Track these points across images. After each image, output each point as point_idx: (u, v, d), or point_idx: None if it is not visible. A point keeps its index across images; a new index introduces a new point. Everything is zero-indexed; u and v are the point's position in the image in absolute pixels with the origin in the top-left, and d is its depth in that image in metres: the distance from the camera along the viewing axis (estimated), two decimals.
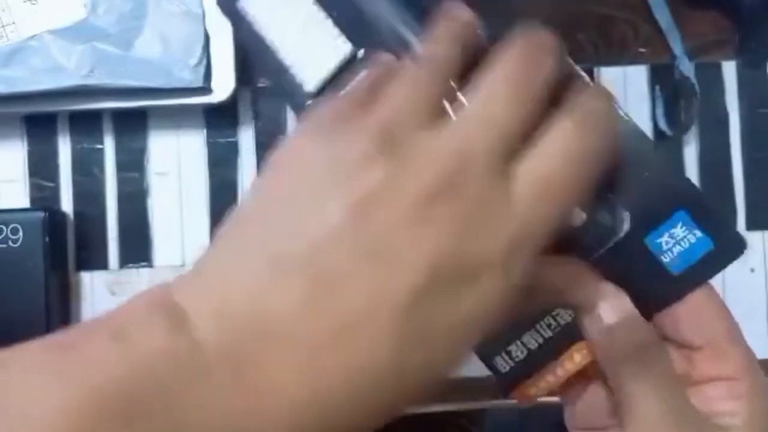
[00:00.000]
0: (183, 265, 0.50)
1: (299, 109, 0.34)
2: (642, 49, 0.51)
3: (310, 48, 0.34)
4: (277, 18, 0.35)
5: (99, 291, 0.49)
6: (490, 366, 0.30)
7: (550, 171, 0.23)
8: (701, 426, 0.26)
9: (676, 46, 0.51)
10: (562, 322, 0.30)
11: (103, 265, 0.50)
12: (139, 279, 0.49)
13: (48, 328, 0.46)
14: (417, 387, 0.22)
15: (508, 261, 0.22)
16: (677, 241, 0.28)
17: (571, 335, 0.29)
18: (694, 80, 0.50)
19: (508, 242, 0.22)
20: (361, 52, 0.32)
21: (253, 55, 0.37)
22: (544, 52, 0.25)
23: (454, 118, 0.24)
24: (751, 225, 0.51)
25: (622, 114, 0.28)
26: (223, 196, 0.50)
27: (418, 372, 0.22)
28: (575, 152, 0.24)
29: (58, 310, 0.48)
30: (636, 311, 0.27)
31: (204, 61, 0.47)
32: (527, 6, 0.50)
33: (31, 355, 0.21)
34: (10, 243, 0.46)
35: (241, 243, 0.23)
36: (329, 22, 0.33)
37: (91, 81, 0.46)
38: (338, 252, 0.21)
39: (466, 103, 0.24)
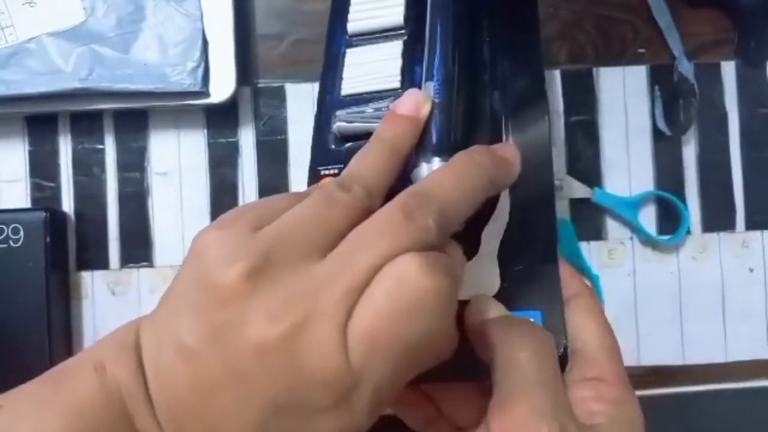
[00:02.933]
0: None
1: (321, 108, 0.36)
2: (641, 50, 0.51)
3: (367, 67, 0.35)
4: (372, 20, 0.37)
5: (99, 291, 0.50)
6: None
7: (375, 326, 0.24)
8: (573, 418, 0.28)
9: (676, 47, 0.51)
10: None
11: (103, 264, 0.50)
12: (140, 279, 0.50)
13: (49, 327, 0.46)
14: None
15: (349, 403, 0.24)
16: None
17: None
18: (693, 80, 0.50)
19: (342, 393, 0.24)
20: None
21: (329, 34, 0.38)
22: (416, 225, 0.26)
23: (329, 259, 0.25)
24: (751, 225, 0.51)
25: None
26: (223, 196, 0.50)
27: None
28: (396, 311, 0.25)
29: (58, 309, 0.48)
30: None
31: (202, 65, 0.47)
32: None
33: (27, 393, 0.26)
34: (11, 243, 0.46)
35: (166, 318, 0.26)
36: (398, 61, 0.35)
37: (89, 84, 0.46)
38: (215, 361, 0.24)
39: (342, 250, 0.26)
